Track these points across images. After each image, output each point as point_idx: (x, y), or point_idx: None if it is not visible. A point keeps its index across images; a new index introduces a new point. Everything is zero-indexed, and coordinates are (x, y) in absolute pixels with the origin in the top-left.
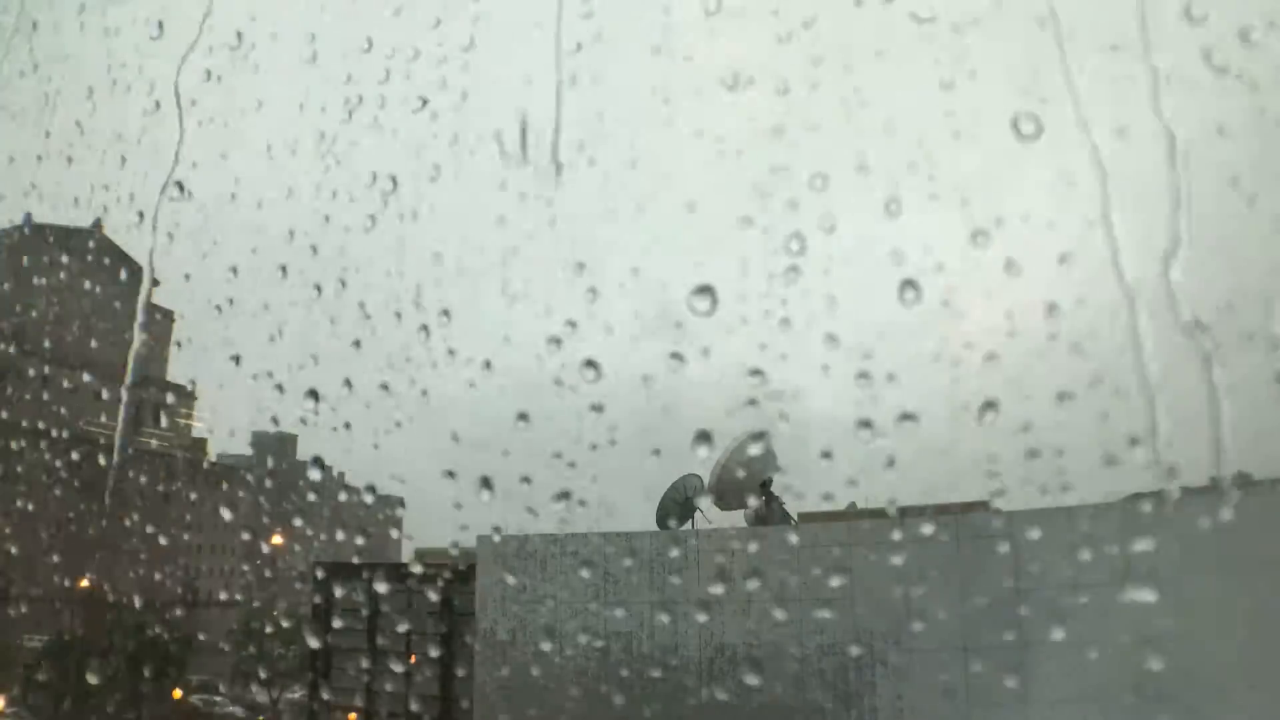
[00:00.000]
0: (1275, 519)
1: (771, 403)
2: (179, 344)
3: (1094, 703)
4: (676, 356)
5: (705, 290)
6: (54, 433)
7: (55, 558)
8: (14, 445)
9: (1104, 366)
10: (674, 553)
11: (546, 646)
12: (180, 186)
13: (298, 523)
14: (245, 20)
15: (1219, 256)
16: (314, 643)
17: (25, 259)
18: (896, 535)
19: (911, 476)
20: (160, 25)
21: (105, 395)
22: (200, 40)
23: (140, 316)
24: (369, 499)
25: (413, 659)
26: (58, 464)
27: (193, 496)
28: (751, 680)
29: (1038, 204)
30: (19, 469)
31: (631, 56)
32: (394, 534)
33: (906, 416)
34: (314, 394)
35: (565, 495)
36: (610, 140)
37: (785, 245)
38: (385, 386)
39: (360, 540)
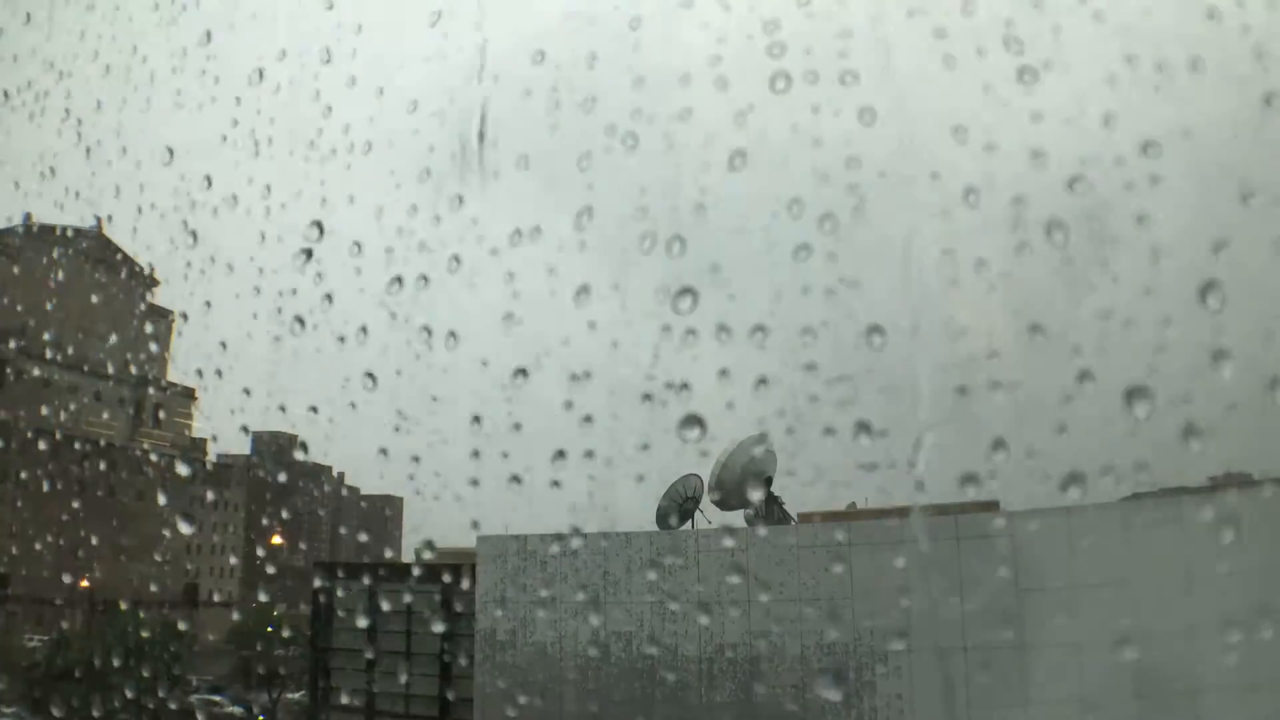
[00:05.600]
0: (1275, 519)
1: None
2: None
3: (1094, 703)
4: None
5: None
6: (55, 433)
7: (54, 558)
8: (14, 445)
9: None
10: (673, 553)
11: (546, 646)
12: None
13: (298, 522)
14: None
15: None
16: (313, 643)
17: (25, 259)
18: (896, 535)
19: None
20: None
21: (104, 395)
22: None
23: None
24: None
25: (412, 660)
26: (57, 464)
27: (193, 496)
28: (751, 680)
29: None
30: (18, 469)
31: None
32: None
33: None
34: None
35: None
36: None
37: None
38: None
39: (360, 539)
